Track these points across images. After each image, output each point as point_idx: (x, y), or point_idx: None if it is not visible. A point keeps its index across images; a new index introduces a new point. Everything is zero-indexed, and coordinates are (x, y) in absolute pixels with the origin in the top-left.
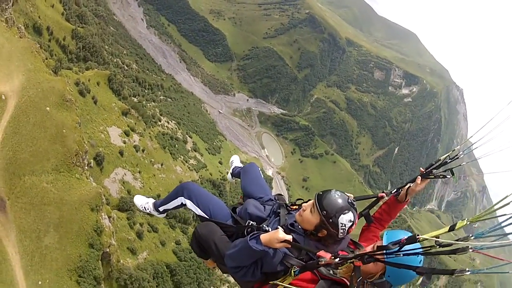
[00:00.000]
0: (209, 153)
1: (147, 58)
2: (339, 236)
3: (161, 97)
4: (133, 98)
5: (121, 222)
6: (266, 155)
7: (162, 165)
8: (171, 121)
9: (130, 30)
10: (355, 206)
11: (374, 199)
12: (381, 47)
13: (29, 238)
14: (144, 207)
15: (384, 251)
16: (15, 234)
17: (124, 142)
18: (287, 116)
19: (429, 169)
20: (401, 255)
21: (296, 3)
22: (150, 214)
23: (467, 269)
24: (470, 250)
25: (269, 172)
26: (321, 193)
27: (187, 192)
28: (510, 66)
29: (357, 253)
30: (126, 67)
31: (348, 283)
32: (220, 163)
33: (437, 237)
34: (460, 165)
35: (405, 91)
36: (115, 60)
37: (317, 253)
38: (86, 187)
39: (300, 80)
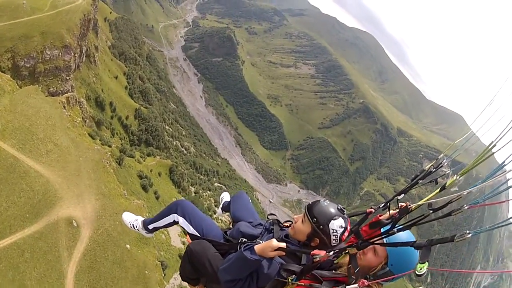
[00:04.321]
0: None
1: (204, 139)
2: (332, 244)
3: (216, 184)
4: (191, 187)
5: None
6: None
7: None
8: (225, 213)
9: (189, 106)
10: (345, 213)
11: (363, 215)
12: (430, 133)
13: None
14: (133, 225)
15: (380, 233)
16: None
17: (183, 243)
18: None
19: (415, 180)
20: (396, 231)
21: (351, 92)
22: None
23: (467, 231)
24: (466, 207)
25: None
26: (310, 203)
27: (181, 209)
28: None
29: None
30: (185, 151)
31: (347, 280)
32: None
33: (429, 203)
34: (444, 174)
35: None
36: (174, 143)
37: (311, 252)
38: None
39: (351, 173)
